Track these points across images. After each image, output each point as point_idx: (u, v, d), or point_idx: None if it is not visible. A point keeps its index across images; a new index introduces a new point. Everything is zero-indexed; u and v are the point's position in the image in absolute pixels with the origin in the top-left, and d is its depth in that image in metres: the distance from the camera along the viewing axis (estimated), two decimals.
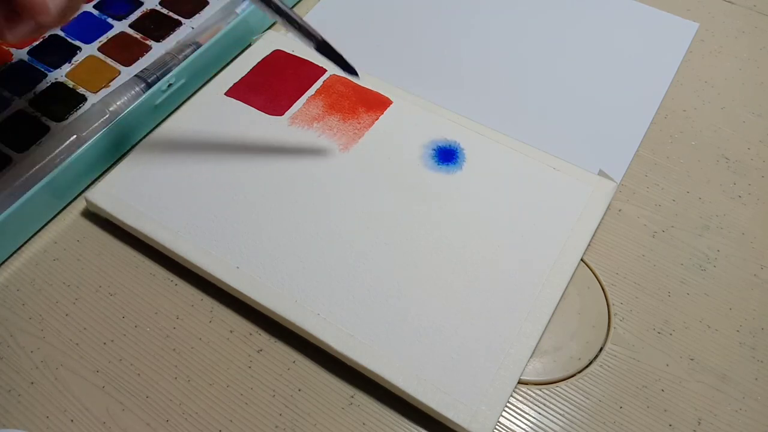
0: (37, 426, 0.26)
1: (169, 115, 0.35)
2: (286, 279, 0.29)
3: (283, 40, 0.38)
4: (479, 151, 0.33)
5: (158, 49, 0.36)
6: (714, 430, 0.27)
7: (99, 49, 0.36)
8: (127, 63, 0.35)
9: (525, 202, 0.31)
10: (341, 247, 0.30)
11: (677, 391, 0.27)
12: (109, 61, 0.36)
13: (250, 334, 0.29)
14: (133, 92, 0.34)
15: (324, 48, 0.28)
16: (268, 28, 0.40)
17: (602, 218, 0.31)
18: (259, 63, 0.36)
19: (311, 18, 0.41)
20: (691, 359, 0.28)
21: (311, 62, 0.36)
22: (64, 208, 0.32)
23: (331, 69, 0.36)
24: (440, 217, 0.31)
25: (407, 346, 0.27)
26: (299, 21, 0.27)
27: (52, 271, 0.30)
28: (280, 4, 0.27)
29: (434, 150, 0.33)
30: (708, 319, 0.30)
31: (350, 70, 0.30)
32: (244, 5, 0.38)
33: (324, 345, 0.27)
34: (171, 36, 0.37)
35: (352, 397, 0.27)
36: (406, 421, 0.27)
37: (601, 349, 0.29)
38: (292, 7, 0.42)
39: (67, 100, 0.33)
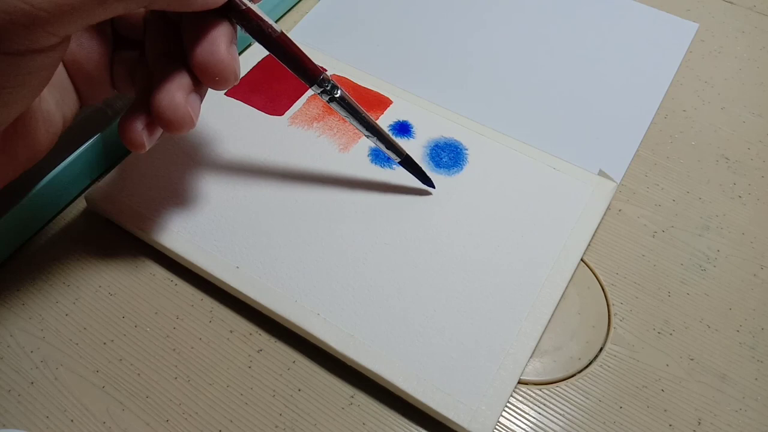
0: (37, 426, 0.26)
1: None
2: (286, 279, 0.29)
3: None
4: (479, 151, 0.33)
5: None
6: (714, 430, 0.27)
7: None
8: None
9: (525, 202, 0.31)
10: (341, 247, 0.30)
11: (677, 391, 0.28)
12: None
13: (250, 334, 0.29)
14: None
15: (408, 162, 0.30)
16: None
17: (602, 218, 0.31)
18: (259, 63, 0.36)
19: (311, 18, 0.41)
20: (691, 359, 0.28)
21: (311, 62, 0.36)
22: (64, 208, 0.32)
23: (335, 66, 0.36)
24: (440, 216, 0.31)
25: (407, 346, 0.27)
26: (389, 138, 0.29)
27: (52, 271, 0.30)
28: (374, 124, 0.28)
29: (434, 150, 0.33)
30: (708, 319, 0.30)
31: (429, 183, 0.31)
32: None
33: (324, 345, 0.27)
34: None
35: (352, 397, 0.27)
36: (406, 421, 0.27)
37: (601, 349, 0.29)
38: (292, 7, 0.42)
39: None
